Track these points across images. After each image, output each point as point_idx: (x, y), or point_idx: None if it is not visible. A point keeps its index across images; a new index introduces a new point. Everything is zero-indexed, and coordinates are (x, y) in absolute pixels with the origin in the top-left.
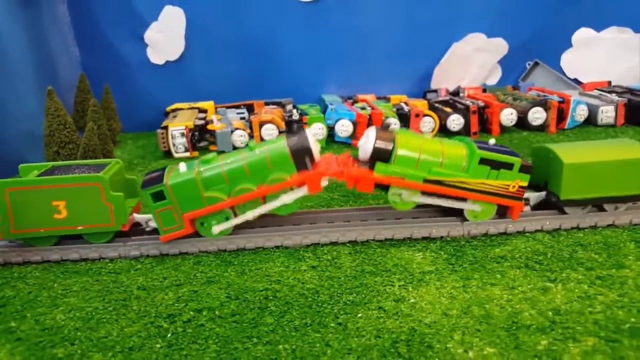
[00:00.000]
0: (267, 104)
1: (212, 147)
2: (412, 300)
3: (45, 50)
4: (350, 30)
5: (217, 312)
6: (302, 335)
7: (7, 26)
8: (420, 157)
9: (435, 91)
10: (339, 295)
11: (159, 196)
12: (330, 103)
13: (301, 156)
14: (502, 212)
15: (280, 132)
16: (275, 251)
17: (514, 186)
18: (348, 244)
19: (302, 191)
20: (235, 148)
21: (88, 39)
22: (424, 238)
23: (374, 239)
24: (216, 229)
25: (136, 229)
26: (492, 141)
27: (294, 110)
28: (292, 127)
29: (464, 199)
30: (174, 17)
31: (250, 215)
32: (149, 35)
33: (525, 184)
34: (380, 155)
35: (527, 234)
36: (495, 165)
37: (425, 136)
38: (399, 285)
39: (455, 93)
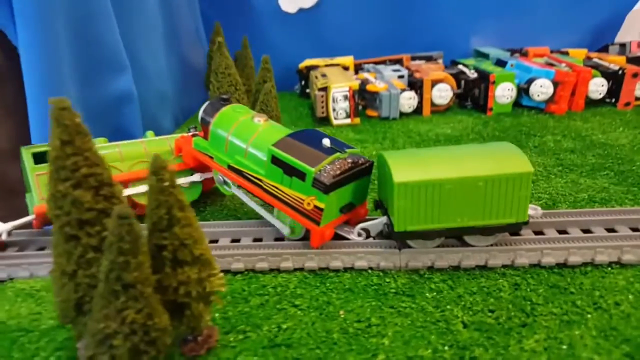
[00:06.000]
0: (413, 58)
1: (369, 112)
2: None
3: None
4: None
5: None
6: None
7: None
8: (228, 139)
9: (623, 45)
10: None
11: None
12: (500, 58)
13: None
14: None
15: (454, 94)
16: None
17: (308, 203)
18: None
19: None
20: (402, 113)
21: None
22: None
23: None
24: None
25: None
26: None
27: (463, 67)
28: (470, 87)
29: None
30: None
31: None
32: None
33: (321, 205)
34: (203, 127)
35: None
36: (287, 169)
37: (257, 118)
38: None
39: None
